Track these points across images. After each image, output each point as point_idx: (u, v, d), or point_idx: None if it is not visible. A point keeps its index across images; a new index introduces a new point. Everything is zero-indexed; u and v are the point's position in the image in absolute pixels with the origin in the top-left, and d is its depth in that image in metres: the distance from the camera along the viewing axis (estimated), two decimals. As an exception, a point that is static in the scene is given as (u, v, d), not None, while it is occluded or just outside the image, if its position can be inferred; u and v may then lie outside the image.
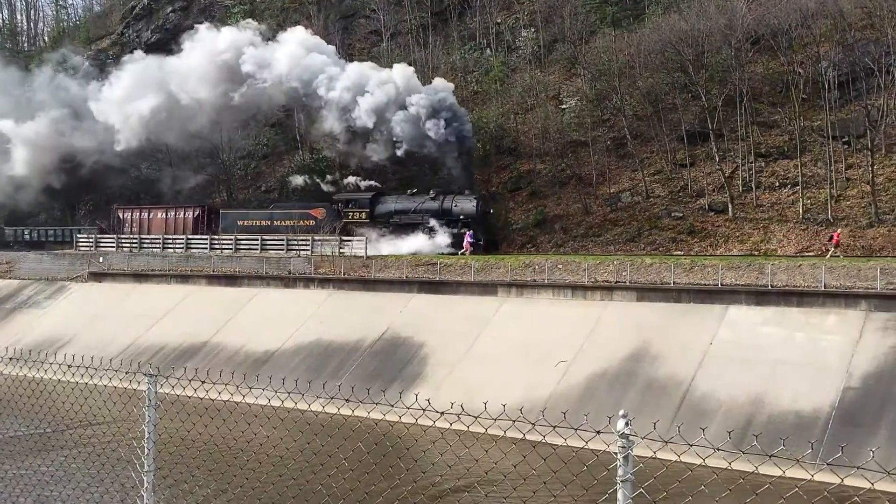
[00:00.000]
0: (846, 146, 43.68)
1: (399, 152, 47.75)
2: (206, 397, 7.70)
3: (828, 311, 26.87)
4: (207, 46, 53.23)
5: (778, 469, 5.51)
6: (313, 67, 49.83)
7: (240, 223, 50.13)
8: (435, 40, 61.40)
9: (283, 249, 45.06)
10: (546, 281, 33.57)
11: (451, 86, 49.80)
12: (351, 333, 34.35)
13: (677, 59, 48.10)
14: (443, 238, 43.16)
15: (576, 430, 5.13)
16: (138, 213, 55.39)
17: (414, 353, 32.08)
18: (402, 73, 49.18)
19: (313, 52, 50.76)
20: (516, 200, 50.12)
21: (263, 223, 49.20)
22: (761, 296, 28.32)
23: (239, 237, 48.02)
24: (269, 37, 54.39)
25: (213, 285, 43.25)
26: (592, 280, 32.52)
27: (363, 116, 47.34)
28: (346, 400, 5.44)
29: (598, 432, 5.31)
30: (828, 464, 5.57)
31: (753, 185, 44.38)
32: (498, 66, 56.76)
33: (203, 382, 6.62)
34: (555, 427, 5.17)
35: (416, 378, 30.51)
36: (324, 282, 39.93)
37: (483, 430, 5.51)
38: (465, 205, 44.17)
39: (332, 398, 5.37)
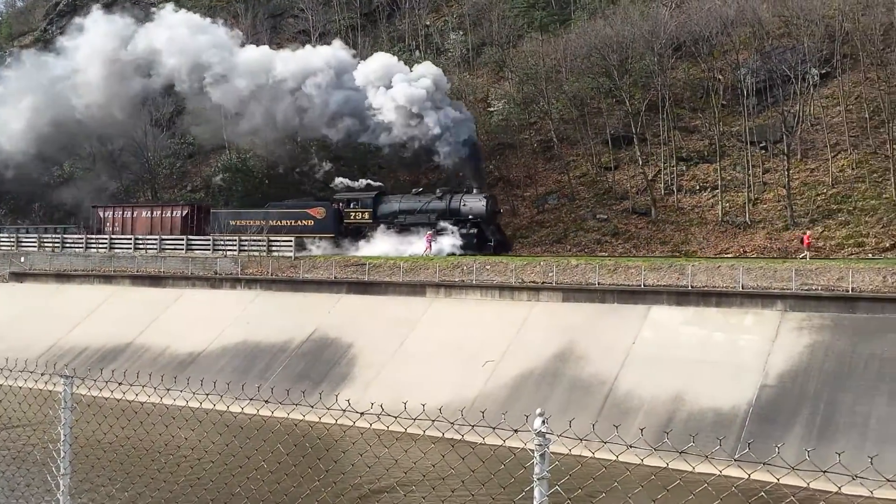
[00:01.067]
0: (763, 151, 45.21)
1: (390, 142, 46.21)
2: (126, 399, 7.54)
3: (746, 310, 27.73)
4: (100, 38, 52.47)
5: (688, 465, 5.69)
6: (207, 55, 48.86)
7: (232, 223, 47.16)
8: (364, 41, 61.20)
9: (209, 249, 44.25)
10: (474, 281, 33.81)
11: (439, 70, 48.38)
12: (278, 334, 33.98)
13: (602, 63, 49.04)
14: (451, 239, 40.96)
15: (494, 428, 5.20)
16: (121, 213, 51.88)
17: (342, 353, 31.93)
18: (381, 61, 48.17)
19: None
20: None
21: (258, 223, 46.18)
22: (682, 296, 29.06)
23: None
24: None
25: (137, 286, 42.27)
26: (520, 281, 32.87)
27: (386, 111, 45.46)
28: (266, 401, 5.41)
29: (516, 431, 5.39)
30: (735, 460, 5.78)
31: (675, 189, 45.53)
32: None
33: (120, 384, 6.48)
34: (473, 426, 5.23)
35: (345, 378, 30.37)
36: (251, 282, 39.40)
37: (403, 430, 5.54)
38: (475, 204, 42.13)
39: (251, 399, 5.33)
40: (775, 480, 5.29)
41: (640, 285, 30.12)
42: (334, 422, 5.53)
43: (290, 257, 40.91)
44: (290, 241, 42.56)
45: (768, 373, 24.67)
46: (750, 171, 43.97)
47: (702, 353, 26.27)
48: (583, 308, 30.64)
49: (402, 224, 42.97)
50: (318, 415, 5.40)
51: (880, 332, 24.64)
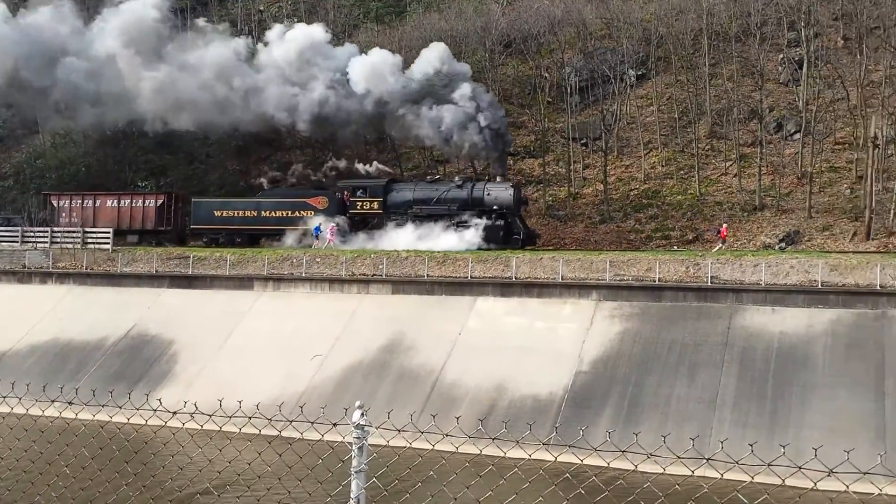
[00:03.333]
0: (584, 147, 47.55)
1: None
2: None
3: (564, 300, 29.12)
4: None
5: (500, 451, 5.96)
6: None
7: (217, 213, 41.83)
8: (194, 24, 58.90)
9: (17, 241, 41.12)
10: (304, 274, 33.46)
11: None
12: (93, 332, 32.20)
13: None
14: (475, 232, 36.95)
15: (312, 423, 5.23)
16: (80, 201, 44.68)
17: (163, 350, 30.72)
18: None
19: None
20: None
21: (248, 214, 41.33)
22: (506, 287, 30.13)
23: None
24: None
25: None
26: (350, 273, 32.87)
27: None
28: (70, 403, 5.17)
29: (335, 424, 5.46)
30: (543, 444, 6.13)
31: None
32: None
33: None
34: (291, 422, 5.24)
35: (165, 377, 29.27)
36: (63, 276, 37.04)
37: (219, 428, 5.47)
38: (500, 193, 38.05)
39: (52, 401, 5.08)
40: (579, 462, 5.67)
41: (467, 277, 30.90)
42: (144, 422, 5.38)
43: (108, 249, 38.77)
44: (109, 232, 40.17)
45: (583, 359, 26.05)
46: (571, 167, 46.12)
47: (524, 342, 27.35)
48: (412, 300, 31.09)
49: (418, 215, 38.59)
50: (126, 415, 5.23)
51: (682, 320, 26.64)
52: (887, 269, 25.72)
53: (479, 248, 35.04)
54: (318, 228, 38.76)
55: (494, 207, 37.63)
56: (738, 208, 41.15)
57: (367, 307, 31.17)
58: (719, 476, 4.89)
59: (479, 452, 5.78)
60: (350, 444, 4.62)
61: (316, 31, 44.55)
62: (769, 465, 4.25)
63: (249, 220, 40.96)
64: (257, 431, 5.34)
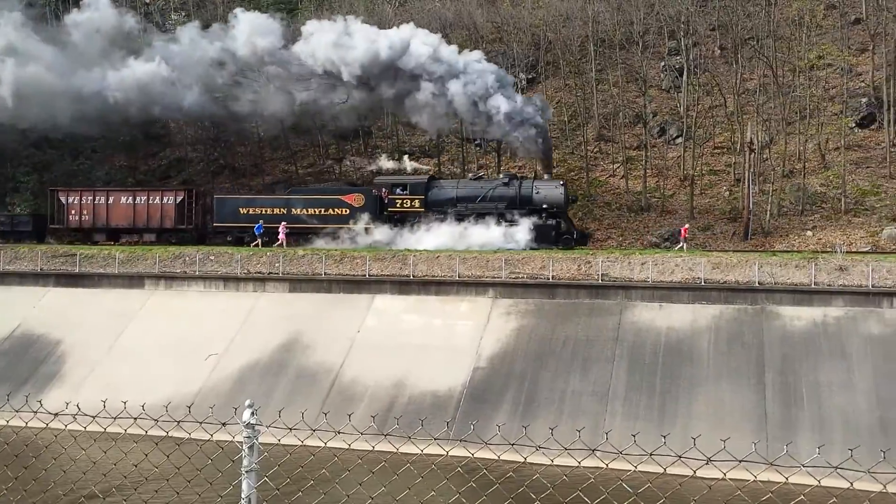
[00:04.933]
0: (479, 148, 48.27)
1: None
2: None
3: (462, 298, 29.49)
4: None
5: (393, 447, 6.07)
6: None
7: (242, 212, 39.18)
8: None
9: None
10: (197, 273, 32.71)
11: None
12: (-29, 333, 30.61)
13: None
14: (525, 231, 35.11)
15: (201, 423, 5.20)
16: (91, 198, 41.60)
17: (50, 351, 29.55)
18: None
19: None
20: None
21: (277, 212, 38.71)
22: (404, 285, 30.27)
23: None
24: None
25: None
26: (245, 272, 32.33)
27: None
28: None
29: (224, 424, 5.43)
30: (435, 439, 6.26)
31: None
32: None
33: None
34: (179, 422, 5.19)
35: (53, 378, 28.22)
36: (-64, 276, 35.04)
37: (103, 430, 5.36)
38: (550, 191, 36.43)
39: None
40: (470, 455, 5.82)
41: (364, 275, 30.88)
42: (24, 424, 5.22)
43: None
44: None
45: (481, 355, 26.46)
46: (466, 168, 46.66)
47: (422, 339, 27.57)
48: (310, 298, 30.86)
49: (462, 213, 36.62)
50: (5, 418, 5.06)
51: (575, 316, 27.41)
52: (765, 266, 27.15)
53: (531, 249, 33.68)
54: (259, 227, 37.43)
55: (544, 206, 36.23)
56: (626, 209, 42.54)
57: (264, 306, 30.76)
58: (605, 466, 5.10)
59: (371, 449, 5.86)
60: (240, 443, 4.59)
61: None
62: (651, 454, 4.49)
63: (278, 218, 38.44)
64: (144, 432, 5.27)
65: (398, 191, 37.97)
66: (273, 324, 29.41)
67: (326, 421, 5.07)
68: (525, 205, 36.32)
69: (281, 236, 36.62)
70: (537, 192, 36.44)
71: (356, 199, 38.20)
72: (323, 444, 5.90)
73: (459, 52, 39.49)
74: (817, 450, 5.24)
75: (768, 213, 39.27)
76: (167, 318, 30.82)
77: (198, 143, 50.02)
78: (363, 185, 41.52)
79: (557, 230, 35.95)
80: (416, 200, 37.70)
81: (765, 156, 42.04)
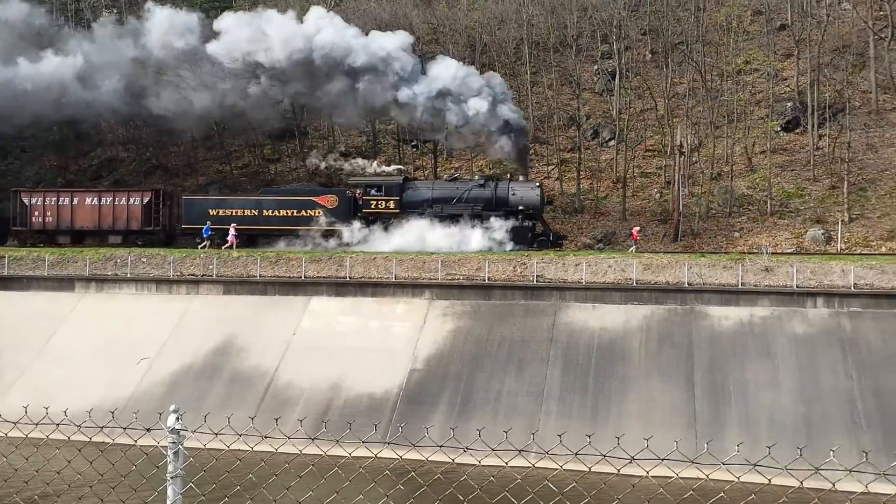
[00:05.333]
0: (415, 149, 48.39)
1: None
2: None
3: (398, 300, 29.53)
4: None
5: (320, 450, 6.10)
6: None
7: (212, 213, 37.93)
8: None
9: None
10: (129, 275, 32.08)
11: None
12: None
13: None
14: (503, 233, 35.03)
15: (125, 429, 5.16)
16: (55, 199, 40.31)
17: (-27, 356, 28.60)
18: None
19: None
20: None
21: (248, 213, 37.85)
22: (341, 287, 30.17)
23: None
24: None
25: None
26: (178, 274, 31.81)
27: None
28: None
29: (149, 430, 5.39)
30: (363, 441, 6.32)
31: (335, 182, 46.94)
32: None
33: None
34: (102, 427, 5.14)
35: (-24, 384, 27.28)
36: None
37: (25, 436, 5.28)
38: (526, 193, 36.27)
39: None
40: (398, 457, 5.90)
41: (300, 277, 30.68)
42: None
43: None
44: None
45: (417, 357, 26.55)
46: (405, 168, 46.72)
47: (359, 341, 27.52)
48: (244, 300, 30.54)
49: (438, 214, 36.29)
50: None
51: (510, 317, 27.70)
52: (694, 267, 27.86)
53: (510, 250, 33.63)
54: (207, 229, 36.54)
55: (520, 208, 36.12)
56: (560, 210, 43.12)
57: (198, 308, 30.32)
58: (531, 466, 5.22)
59: (299, 453, 5.88)
60: (165, 449, 4.58)
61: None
62: (576, 454, 4.63)
63: (249, 219, 37.81)
64: (66, 438, 5.21)
65: (372, 192, 37.42)
66: (207, 327, 29.01)
67: (253, 425, 5.09)
68: (501, 206, 36.20)
69: (230, 238, 35.82)
70: (513, 194, 36.36)
71: (329, 201, 37.66)
72: (250, 449, 5.92)
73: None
74: (737, 447, 5.46)
75: (697, 215, 40.26)
76: (98, 321, 30.16)
77: (129, 143, 48.99)
78: (326, 185, 40.90)
79: (533, 231, 36.17)
80: (391, 201, 37.24)
81: (694, 158, 43.09)
